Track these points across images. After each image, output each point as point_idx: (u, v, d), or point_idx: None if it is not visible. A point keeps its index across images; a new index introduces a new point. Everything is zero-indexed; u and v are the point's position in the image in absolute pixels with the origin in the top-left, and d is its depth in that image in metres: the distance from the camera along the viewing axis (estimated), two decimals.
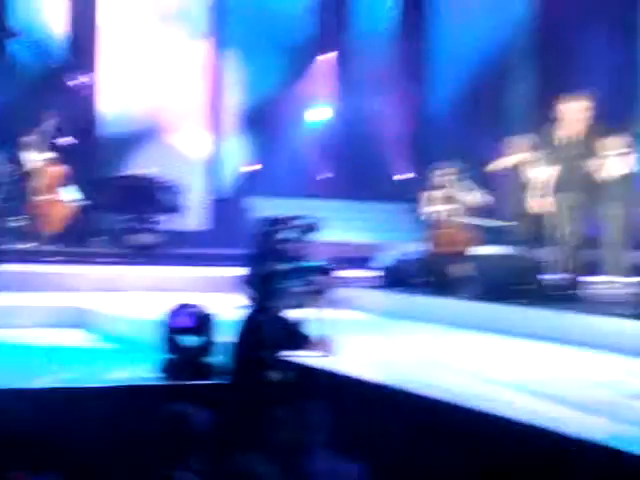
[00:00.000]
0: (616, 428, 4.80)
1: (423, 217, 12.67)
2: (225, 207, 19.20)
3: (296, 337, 6.37)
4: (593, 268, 11.18)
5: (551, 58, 18.14)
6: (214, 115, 20.57)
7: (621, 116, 13.23)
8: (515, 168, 11.72)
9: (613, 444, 4.33)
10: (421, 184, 13.74)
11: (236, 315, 6.37)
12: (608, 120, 11.41)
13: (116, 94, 19.23)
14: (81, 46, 18.57)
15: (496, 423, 4.98)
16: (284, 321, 6.35)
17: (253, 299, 6.54)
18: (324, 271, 7.39)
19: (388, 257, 11.87)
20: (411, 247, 12.64)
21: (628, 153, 11.04)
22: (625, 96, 16.16)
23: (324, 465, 5.10)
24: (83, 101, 18.50)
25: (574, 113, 10.08)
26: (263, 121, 20.91)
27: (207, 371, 6.73)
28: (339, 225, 15.16)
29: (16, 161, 14.85)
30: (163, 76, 19.45)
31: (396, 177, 20.84)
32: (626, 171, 11.01)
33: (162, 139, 19.57)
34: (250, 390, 5.74)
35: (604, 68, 16.18)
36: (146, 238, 15.42)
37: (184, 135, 19.89)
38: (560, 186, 9.99)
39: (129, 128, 19.19)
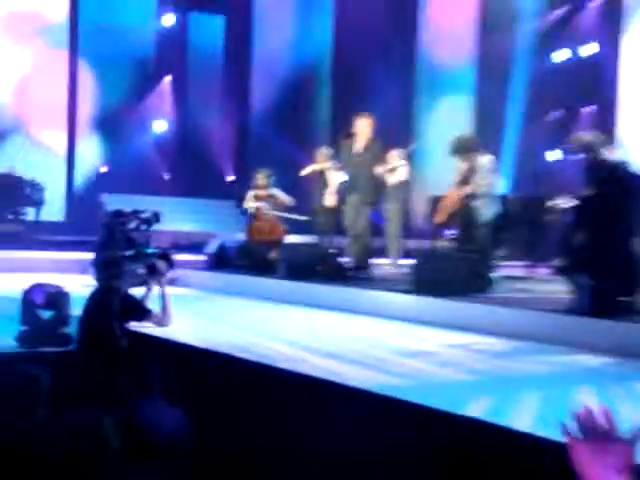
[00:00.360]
0: (384, 380, 5.05)
1: (245, 211, 12.79)
2: (79, 201, 18.95)
3: (138, 310, 6.42)
4: (379, 253, 11.52)
5: (346, 84, 18.42)
6: (72, 119, 20.20)
7: (400, 134, 13.62)
8: (320, 173, 11.87)
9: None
10: (244, 185, 13.85)
11: (86, 292, 6.37)
12: (389, 137, 11.82)
13: None
14: None
15: (298, 380, 5.14)
16: (128, 297, 6.38)
17: (101, 279, 6.55)
18: (163, 256, 7.46)
19: (216, 244, 11.92)
20: (234, 236, 12.74)
21: (405, 165, 11.37)
22: (402, 117, 16.60)
23: (155, 412, 5.19)
24: None
25: (363, 129, 10.35)
26: (115, 126, 20.63)
27: (60, 340, 6.70)
28: (177, 218, 15.19)
29: None
30: (28, 82, 19.00)
31: (225, 179, 20.93)
32: (403, 179, 11.34)
33: (27, 141, 19.12)
34: (96, 355, 5.77)
35: (386, 92, 16.58)
36: (11, 227, 15.23)
37: (46, 137, 19.48)
38: (351, 188, 10.29)
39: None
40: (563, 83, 16.00)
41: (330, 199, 10.60)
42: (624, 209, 7.00)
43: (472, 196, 9.05)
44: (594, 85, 15.34)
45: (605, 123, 13.88)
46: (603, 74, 15.14)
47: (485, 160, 9.20)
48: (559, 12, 16.40)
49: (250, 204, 12.55)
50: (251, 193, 12.64)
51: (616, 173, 7.24)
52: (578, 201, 7.40)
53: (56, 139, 19.76)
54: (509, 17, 15.96)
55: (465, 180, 9.18)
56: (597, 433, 1.51)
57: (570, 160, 15.49)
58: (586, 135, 7.90)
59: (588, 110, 15.85)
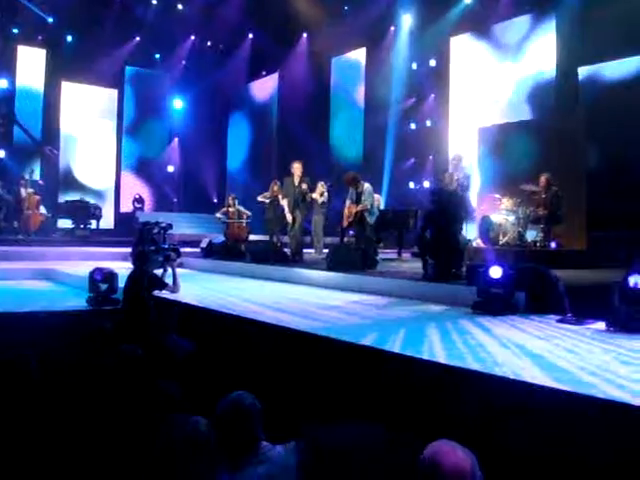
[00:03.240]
0: (311, 324, 4.98)
1: (222, 220, 12.66)
2: (122, 216, 18.67)
3: (159, 283, 6.28)
4: (308, 245, 11.46)
5: (286, 141, 18.37)
6: (118, 164, 20.03)
7: (321, 172, 13.54)
8: (274, 197, 11.62)
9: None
10: (223, 203, 13.67)
11: (127, 273, 6.22)
12: (315, 174, 11.81)
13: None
14: None
15: (261, 325, 5.09)
16: (152, 275, 6.23)
17: (136, 264, 6.39)
18: (174, 249, 7.31)
19: (206, 241, 11.76)
20: (218, 236, 12.55)
21: (325, 192, 11.25)
22: (323, 162, 16.56)
23: (170, 343, 5.12)
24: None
25: (297, 170, 10.28)
26: (145, 169, 20.47)
27: (112, 302, 6.57)
28: (182, 225, 14.96)
29: None
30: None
31: (212, 200, 20.71)
32: (325, 199, 11.21)
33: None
34: (135, 311, 5.64)
35: (312, 147, 16.56)
36: (83, 232, 15.27)
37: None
38: (295, 206, 10.20)
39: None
40: (416, 142, 16.22)
41: (289, 215, 10.38)
42: (450, 216, 7.07)
43: (361, 209, 9.09)
44: (433, 143, 15.56)
45: (439, 168, 14.13)
46: (438, 137, 15.39)
47: (367, 186, 9.23)
48: (412, 100, 16.57)
49: (217, 215, 12.54)
50: (223, 209, 12.59)
51: (445, 194, 7.34)
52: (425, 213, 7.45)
53: (109, 175, 19.55)
54: (384, 102, 16.08)
55: (357, 200, 9.19)
56: None
57: (420, 187, 15.94)
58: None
59: (430, 158, 16.09)
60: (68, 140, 19.03)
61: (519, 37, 13.58)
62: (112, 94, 20.00)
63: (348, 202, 9.33)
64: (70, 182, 18.94)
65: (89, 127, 19.39)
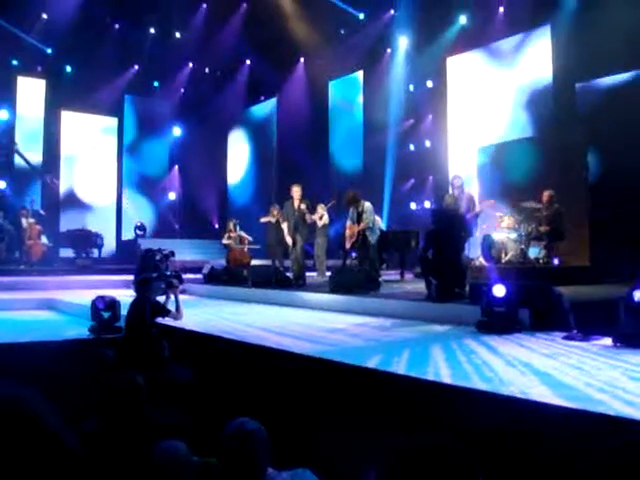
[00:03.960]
0: (316, 348, 4.95)
1: (224, 246, 12.67)
2: (124, 243, 18.70)
3: (162, 310, 6.25)
4: (310, 269, 11.43)
5: (286, 166, 18.48)
6: (119, 192, 20.18)
7: (320, 196, 13.53)
8: (275, 220, 11.67)
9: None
10: (224, 229, 13.70)
11: (129, 300, 6.20)
12: (315, 196, 11.84)
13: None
14: None
15: (261, 349, 5.06)
16: (155, 302, 6.20)
17: (138, 292, 6.37)
18: (176, 276, 7.28)
19: (208, 267, 11.75)
20: (219, 262, 12.56)
21: (325, 214, 11.30)
22: (322, 185, 16.56)
23: (170, 371, 5.11)
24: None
25: (296, 193, 10.31)
26: (147, 195, 20.58)
27: (114, 330, 6.54)
28: (184, 252, 14.94)
29: None
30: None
31: (214, 226, 20.74)
32: (326, 222, 11.26)
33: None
34: (137, 339, 5.61)
35: (311, 171, 16.65)
36: (85, 261, 15.27)
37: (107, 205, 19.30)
38: (295, 229, 10.22)
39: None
40: (415, 162, 16.30)
41: (288, 238, 10.42)
42: (452, 236, 7.08)
43: (363, 228, 9.12)
44: (432, 163, 15.63)
45: (439, 188, 14.21)
46: (436, 158, 15.46)
47: (367, 205, 9.28)
48: (410, 121, 16.68)
49: (225, 241, 12.54)
50: (226, 235, 12.59)
51: (446, 214, 7.36)
52: (427, 233, 7.45)
53: (111, 192, 19.84)
54: (383, 124, 16.19)
55: (357, 219, 9.22)
56: None
57: (421, 208, 15.96)
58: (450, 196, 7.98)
59: (430, 178, 16.15)
60: (68, 159, 19.16)
61: (515, 50, 13.71)
62: (112, 122, 20.21)
63: (349, 223, 9.35)
64: (72, 201, 19.01)
65: (90, 146, 19.58)
